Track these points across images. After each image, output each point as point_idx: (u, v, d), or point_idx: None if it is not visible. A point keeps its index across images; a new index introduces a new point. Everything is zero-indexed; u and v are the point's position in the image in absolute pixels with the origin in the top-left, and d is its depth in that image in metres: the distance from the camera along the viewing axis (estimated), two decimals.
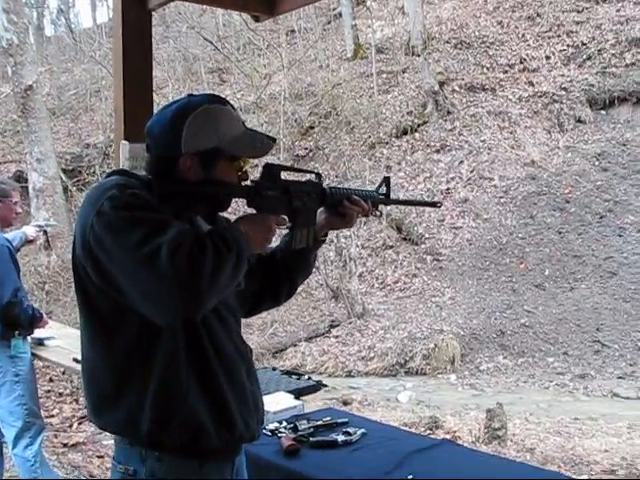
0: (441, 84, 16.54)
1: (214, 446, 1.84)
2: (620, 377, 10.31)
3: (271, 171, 1.97)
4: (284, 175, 2.03)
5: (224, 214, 2.03)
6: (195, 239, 1.65)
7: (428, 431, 6.88)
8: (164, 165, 1.85)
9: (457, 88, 16.65)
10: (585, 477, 4.92)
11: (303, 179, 2.14)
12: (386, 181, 2.38)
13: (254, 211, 1.95)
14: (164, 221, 1.67)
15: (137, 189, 1.74)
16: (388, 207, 13.67)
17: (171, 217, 1.71)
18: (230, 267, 1.69)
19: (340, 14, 20.42)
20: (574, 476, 2.66)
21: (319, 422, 2.99)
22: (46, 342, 5.20)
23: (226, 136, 1.86)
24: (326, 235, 2.27)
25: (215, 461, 1.89)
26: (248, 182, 1.96)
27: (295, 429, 2.91)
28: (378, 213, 2.33)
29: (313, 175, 2.17)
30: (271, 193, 1.95)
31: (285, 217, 2.00)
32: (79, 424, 6.46)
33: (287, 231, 2.11)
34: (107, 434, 5.80)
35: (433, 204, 2.69)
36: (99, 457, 5.67)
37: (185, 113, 1.83)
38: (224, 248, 1.68)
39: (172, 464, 1.81)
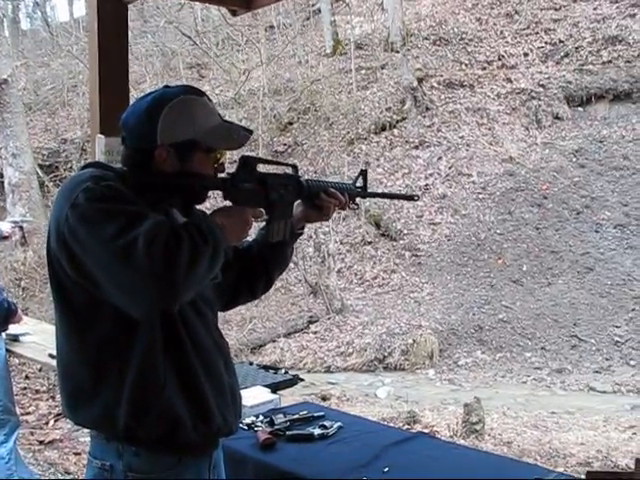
0: (420, 80, 16.58)
1: (192, 440, 1.82)
2: (596, 371, 10.42)
3: (247, 163, 1.95)
4: (261, 168, 2.02)
5: (201, 207, 2.02)
6: (171, 231, 1.64)
7: (406, 426, 6.90)
8: (140, 157, 1.83)
9: (436, 84, 16.70)
10: (561, 469, 4.96)
11: (280, 172, 2.13)
12: (363, 174, 2.36)
13: (230, 204, 1.94)
14: (140, 213, 1.65)
15: (112, 181, 1.72)
16: (367, 202, 13.78)
17: (147, 209, 1.69)
18: (207, 259, 1.67)
19: (319, 10, 20.39)
20: (550, 469, 2.69)
21: (295, 416, 2.99)
22: (21, 338, 5.15)
23: (202, 128, 1.84)
24: (303, 228, 2.26)
25: (193, 455, 1.87)
26: (224, 174, 1.94)
27: (271, 423, 2.91)
28: (355, 206, 2.31)
29: (290, 168, 2.15)
30: (247, 185, 1.94)
31: (262, 210, 1.98)
32: (55, 421, 6.42)
33: (264, 224, 2.09)
34: (84, 431, 5.77)
35: (410, 197, 2.67)
36: (76, 454, 5.63)
37: (161, 104, 1.82)
38: (200, 240, 1.66)
39: (149, 458, 1.79)
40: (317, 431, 2.82)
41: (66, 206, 1.66)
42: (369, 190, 2.41)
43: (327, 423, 2.88)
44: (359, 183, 2.35)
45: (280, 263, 2.26)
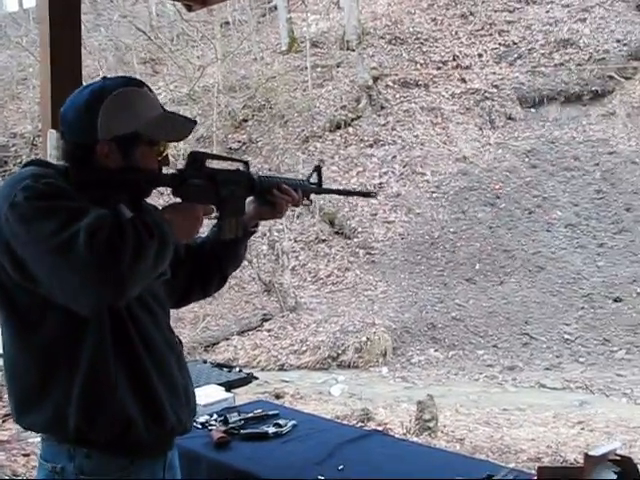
0: (375, 79, 16.66)
1: (145, 440, 1.78)
2: (547, 368, 10.58)
3: (196, 159, 1.90)
4: (213, 164, 1.99)
5: (153, 203, 1.97)
6: (114, 224, 1.58)
7: (360, 423, 6.92)
8: (80, 152, 1.77)
9: (391, 83, 16.79)
10: (512, 465, 5.02)
11: (231, 168, 2.09)
12: (317, 170, 2.33)
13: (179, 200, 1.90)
14: (81, 209, 1.59)
15: (53, 178, 1.66)
16: (321, 201, 13.78)
17: (89, 205, 1.63)
18: (152, 253, 1.62)
19: (275, 7, 20.35)
20: (502, 464, 2.72)
21: (250, 414, 2.96)
22: None
23: (144, 120, 1.78)
24: (256, 226, 2.22)
25: (146, 456, 1.83)
26: (173, 170, 1.90)
27: (225, 421, 2.88)
28: (309, 202, 2.28)
29: (241, 164, 2.11)
30: (196, 182, 1.88)
31: (213, 207, 1.94)
32: (3, 422, 6.27)
33: (216, 221, 2.06)
34: (33, 432, 5.66)
35: (367, 194, 2.68)
36: (25, 455, 5.51)
37: (100, 97, 1.75)
38: (145, 234, 1.61)
39: (101, 460, 1.75)
40: (271, 430, 2.80)
41: (5, 206, 1.59)
42: (324, 187, 2.38)
43: (281, 421, 2.87)
44: (314, 179, 2.33)
45: (233, 261, 2.22)
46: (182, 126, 1.87)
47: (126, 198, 1.83)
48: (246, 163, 2.12)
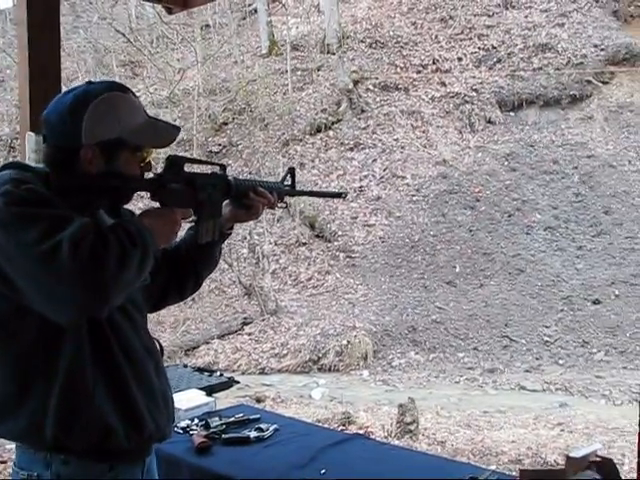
0: (355, 83, 16.69)
1: (124, 447, 1.77)
2: (527, 370, 10.63)
3: (174, 163, 1.89)
4: (189, 168, 1.98)
5: (130, 208, 1.96)
6: (97, 234, 1.58)
7: (341, 427, 6.93)
8: (62, 156, 1.75)
9: (371, 87, 16.83)
10: (493, 467, 5.04)
11: (207, 172, 2.10)
12: (291, 172, 2.34)
13: (157, 204, 1.89)
14: (63, 216, 1.58)
15: (33, 183, 1.64)
16: (301, 204, 13.77)
17: (71, 212, 1.62)
18: (135, 262, 1.62)
19: (255, 10, 20.34)
20: (483, 467, 2.72)
21: (231, 419, 2.96)
22: None
23: (129, 125, 1.77)
24: (232, 228, 2.23)
25: (125, 462, 1.82)
26: (151, 175, 1.89)
27: (207, 426, 2.87)
28: (284, 205, 2.30)
29: (218, 167, 2.11)
30: (175, 186, 1.88)
31: (190, 210, 1.94)
32: None
33: (191, 224, 2.05)
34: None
35: (338, 195, 2.69)
36: (1, 462, 5.46)
37: (85, 101, 1.74)
38: (129, 243, 1.60)
39: (79, 467, 1.73)
40: (253, 434, 2.80)
41: None
42: (297, 188, 2.40)
43: (263, 426, 2.87)
44: (287, 182, 2.34)
45: (209, 263, 2.22)
46: (166, 132, 1.87)
47: (106, 204, 1.82)
48: (223, 166, 2.12)
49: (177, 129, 1.90)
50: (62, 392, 1.67)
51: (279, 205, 2.26)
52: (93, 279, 1.52)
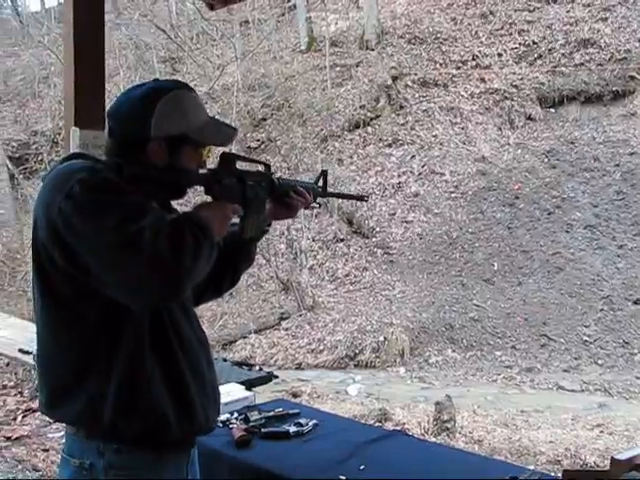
0: (394, 79, 16.61)
1: (174, 437, 1.80)
2: (565, 370, 10.52)
3: (227, 160, 1.96)
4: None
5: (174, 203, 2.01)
6: (173, 225, 1.64)
7: (377, 423, 6.91)
8: (131, 149, 1.81)
9: (410, 83, 16.73)
10: (531, 467, 5.00)
11: (253, 169, 2.14)
12: (324, 174, 2.44)
13: (210, 199, 1.94)
14: (141, 205, 1.65)
15: (105, 172, 1.70)
16: (339, 200, 13.77)
17: (147, 201, 1.69)
18: (206, 252, 1.68)
19: (294, 6, 20.34)
20: (524, 467, 2.70)
21: (270, 413, 2.98)
22: None
23: (193, 123, 1.84)
24: (270, 225, 2.30)
25: (173, 452, 1.85)
26: (204, 170, 1.94)
27: (246, 420, 2.89)
28: (317, 205, 2.38)
29: (262, 166, 2.17)
30: (228, 182, 1.95)
31: (240, 207, 1.99)
32: (23, 417, 6.31)
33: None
34: (53, 427, 5.68)
35: (360, 198, 2.81)
36: (44, 450, 5.54)
37: (156, 96, 1.81)
38: (200, 235, 1.67)
39: (130, 455, 1.76)
40: (292, 429, 2.80)
41: (59, 197, 1.62)
42: (328, 190, 2.48)
43: (302, 420, 2.87)
44: (320, 183, 2.43)
45: (247, 259, 2.27)
46: (226, 132, 1.94)
47: (163, 197, 1.87)
48: (267, 166, 2.18)
49: (235, 130, 1.98)
50: (121, 377, 1.71)
51: (313, 205, 2.33)
52: (172, 267, 1.58)
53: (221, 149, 2.05)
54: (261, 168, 2.16)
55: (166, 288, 1.61)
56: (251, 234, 2.12)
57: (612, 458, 2.04)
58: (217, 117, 2.05)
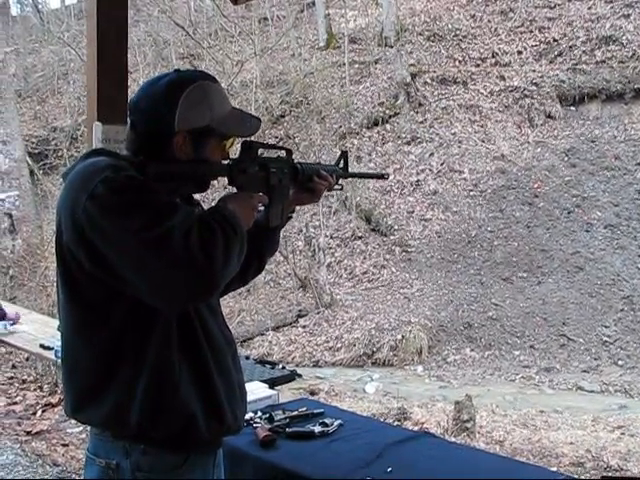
0: (413, 76, 16.54)
1: (203, 438, 1.77)
2: (585, 371, 10.44)
3: (250, 148, 1.92)
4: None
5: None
6: (202, 221, 1.60)
7: (396, 422, 6.88)
8: (155, 143, 1.76)
9: (429, 80, 16.66)
10: (554, 469, 4.95)
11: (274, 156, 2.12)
12: (344, 155, 2.39)
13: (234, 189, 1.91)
14: (168, 203, 1.61)
15: (129, 170, 1.65)
16: (358, 197, 13.72)
17: (173, 199, 1.66)
18: (237, 247, 1.65)
19: (313, 3, 20.29)
20: (556, 471, 2.65)
21: (295, 412, 2.94)
22: (9, 327, 5.08)
23: (218, 114, 1.80)
24: (293, 211, 2.26)
25: (201, 453, 1.82)
26: (228, 160, 1.91)
27: (271, 419, 2.86)
28: (340, 187, 2.34)
29: (284, 152, 2.14)
30: (252, 171, 1.92)
31: (266, 196, 1.96)
32: (43, 411, 6.34)
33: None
34: (72, 422, 5.70)
35: (381, 176, 2.75)
36: (64, 445, 5.56)
37: (180, 88, 1.75)
38: (231, 230, 1.63)
39: (157, 457, 1.73)
40: (317, 428, 2.77)
41: (83, 197, 1.58)
42: (350, 171, 2.44)
43: (327, 420, 2.84)
44: (341, 165, 2.39)
45: (272, 247, 2.24)
46: (250, 122, 1.89)
47: (192, 190, 1.84)
48: (289, 151, 2.14)
49: (258, 120, 1.92)
50: (149, 378, 1.68)
51: (336, 187, 2.30)
52: (204, 266, 1.54)
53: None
54: (282, 154, 2.12)
55: (200, 287, 1.58)
56: (276, 222, 2.09)
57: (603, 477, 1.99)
58: (239, 108, 2.01)
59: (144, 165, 1.69)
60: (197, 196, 1.99)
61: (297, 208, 2.38)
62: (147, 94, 1.79)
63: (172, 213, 1.57)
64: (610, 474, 5.22)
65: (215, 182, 2.01)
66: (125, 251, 1.56)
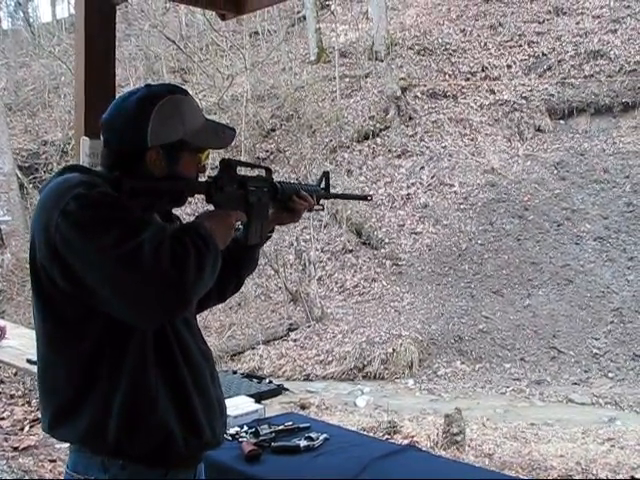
0: (403, 90, 16.62)
1: (181, 453, 1.77)
2: (575, 383, 10.46)
3: (228, 166, 1.92)
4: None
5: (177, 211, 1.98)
6: (174, 237, 1.60)
7: (387, 436, 6.87)
8: (129, 159, 1.75)
9: (419, 94, 16.74)
10: None
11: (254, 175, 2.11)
12: (325, 176, 2.39)
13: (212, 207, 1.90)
14: (140, 220, 1.60)
15: (101, 186, 1.64)
16: (348, 211, 13.73)
17: (145, 215, 1.65)
18: (210, 264, 1.64)
19: (304, 17, 20.39)
20: None
21: (281, 427, 2.94)
22: None
23: (191, 127, 1.79)
24: (273, 230, 2.25)
25: (180, 468, 1.82)
26: (206, 178, 1.90)
27: (256, 434, 2.85)
28: (320, 207, 2.33)
29: (264, 171, 2.15)
30: (230, 189, 1.91)
31: (244, 214, 1.95)
32: (31, 427, 6.30)
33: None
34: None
35: (364, 197, 2.72)
36: (51, 461, 5.52)
37: (151, 103, 1.74)
38: (203, 245, 1.63)
39: (136, 472, 1.72)
40: (303, 443, 2.77)
41: (55, 214, 1.57)
42: (331, 192, 2.44)
43: (313, 435, 2.83)
44: (323, 185, 2.38)
45: (250, 265, 2.24)
46: (224, 134, 1.89)
47: (167, 206, 1.83)
48: (269, 170, 2.15)
49: (233, 130, 1.92)
50: (125, 394, 1.67)
51: (316, 207, 2.29)
52: (176, 280, 1.54)
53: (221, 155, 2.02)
54: (262, 173, 2.12)
55: (171, 301, 1.57)
56: (255, 240, 2.09)
57: (633, 478, 2.00)
58: (213, 119, 2.00)
59: (119, 181, 1.68)
60: (179, 212, 1.99)
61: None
62: (119, 111, 1.77)
63: (143, 228, 1.56)
64: None
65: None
66: (97, 268, 1.55)
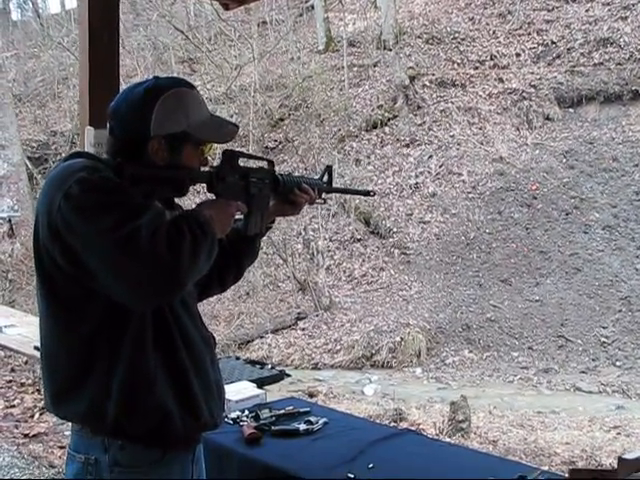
0: (412, 79, 16.58)
1: (179, 434, 1.81)
2: (583, 372, 10.46)
3: (231, 157, 1.96)
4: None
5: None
6: (172, 222, 1.65)
7: (393, 423, 6.90)
8: (132, 147, 1.81)
9: (427, 83, 16.69)
10: (545, 468, 4.97)
11: (256, 167, 2.14)
12: (328, 170, 2.42)
13: (213, 196, 1.94)
14: (139, 204, 1.65)
15: (104, 172, 1.70)
16: (357, 200, 13.74)
17: (145, 200, 1.70)
18: (206, 251, 1.69)
19: (312, 6, 20.34)
20: (534, 466, 2.68)
21: (281, 411, 2.98)
22: (6, 330, 5.12)
23: (194, 120, 1.84)
24: (273, 222, 2.30)
25: (178, 449, 1.86)
26: (207, 168, 1.94)
27: (257, 418, 2.90)
28: (322, 201, 2.36)
29: (266, 162, 2.17)
30: (231, 179, 1.95)
31: (244, 205, 1.99)
32: (40, 414, 6.37)
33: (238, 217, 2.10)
34: (69, 424, 5.73)
35: (367, 193, 2.72)
36: (61, 447, 5.58)
37: (156, 95, 1.80)
38: (199, 232, 1.67)
39: (135, 452, 1.77)
40: (302, 426, 2.81)
41: (58, 196, 1.63)
42: (333, 186, 2.46)
43: (313, 419, 2.88)
44: (325, 178, 2.41)
45: (251, 255, 2.27)
46: (227, 129, 1.93)
47: (165, 195, 1.88)
48: (271, 162, 2.18)
49: (236, 126, 1.96)
50: (124, 374, 1.72)
51: (317, 201, 2.32)
52: (170, 264, 1.58)
53: (224, 146, 2.05)
54: (264, 165, 2.15)
55: (165, 284, 1.61)
56: (255, 231, 2.12)
57: (619, 458, 2.03)
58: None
59: (121, 167, 1.73)
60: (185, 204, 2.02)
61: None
62: (125, 100, 1.83)
63: (142, 213, 1.61)
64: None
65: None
66: (95, 250, 1.60)
